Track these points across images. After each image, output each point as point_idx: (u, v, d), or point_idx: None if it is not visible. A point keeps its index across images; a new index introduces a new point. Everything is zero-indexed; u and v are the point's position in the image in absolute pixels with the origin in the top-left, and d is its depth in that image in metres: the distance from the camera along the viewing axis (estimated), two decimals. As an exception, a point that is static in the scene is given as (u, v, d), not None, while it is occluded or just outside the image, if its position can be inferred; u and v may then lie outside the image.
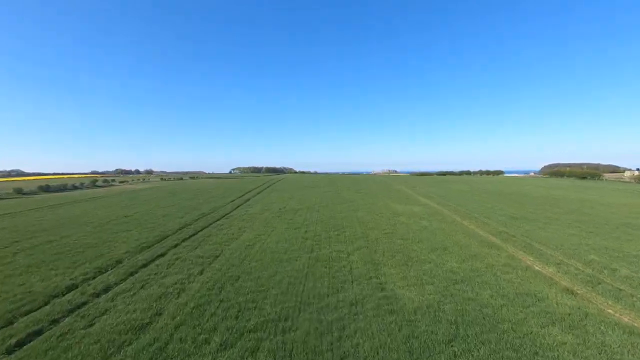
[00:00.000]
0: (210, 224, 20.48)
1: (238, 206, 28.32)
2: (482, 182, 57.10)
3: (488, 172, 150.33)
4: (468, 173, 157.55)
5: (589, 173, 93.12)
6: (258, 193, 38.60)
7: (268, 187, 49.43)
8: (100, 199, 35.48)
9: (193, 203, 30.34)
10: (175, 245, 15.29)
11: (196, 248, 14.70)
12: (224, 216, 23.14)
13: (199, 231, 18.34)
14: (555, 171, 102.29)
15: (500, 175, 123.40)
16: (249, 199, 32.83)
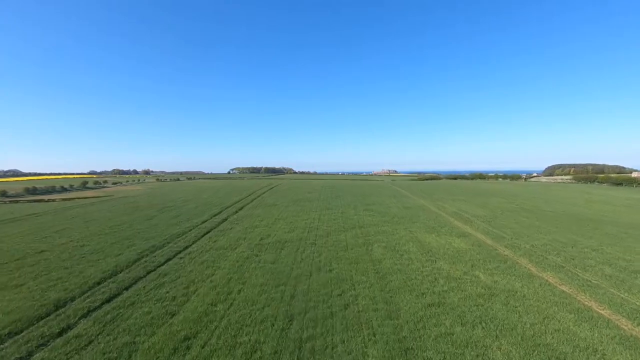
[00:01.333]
0: (150, 271, 14.23)
1: (208, 231, 22.09)
2: (520, 194, 49.72)
3: (505, 177, 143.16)
4: (482, 177, 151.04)
5: (625, 179, 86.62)
6: (241, 208, 32.31)
7: (257, 197, 43.20)
8: (40, 216, 29.34)
9: (149, 226, 24.14)
10: (48, 341, 8.89)
11: (82, 349, 8.42)
12: (178, 253, 16.89)
13: (122, 291, 12.09)
14: (585, 176, 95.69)
15: (523, 181, 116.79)
16: (226, 219, 26.60)
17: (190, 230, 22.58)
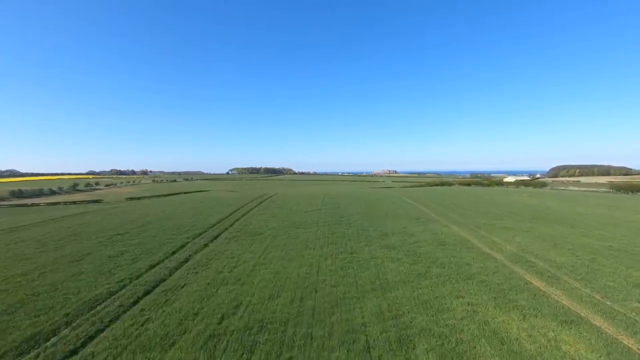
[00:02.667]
0: None
1: (147, 293, 14.80)
2: (582, 219, 40.69)
3: (526, 183, 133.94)
4: (500, 183, 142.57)
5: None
6: (214, 238, 24.92)
7: (241, 216, 35.90)
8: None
9: (67, 277, 16.96)
10: None
11: None
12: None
13: None
14: (627, 184, 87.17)
15: (549, 189, 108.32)
16: (186, 260, 19.30)
17: (123, 287, 15.28)
